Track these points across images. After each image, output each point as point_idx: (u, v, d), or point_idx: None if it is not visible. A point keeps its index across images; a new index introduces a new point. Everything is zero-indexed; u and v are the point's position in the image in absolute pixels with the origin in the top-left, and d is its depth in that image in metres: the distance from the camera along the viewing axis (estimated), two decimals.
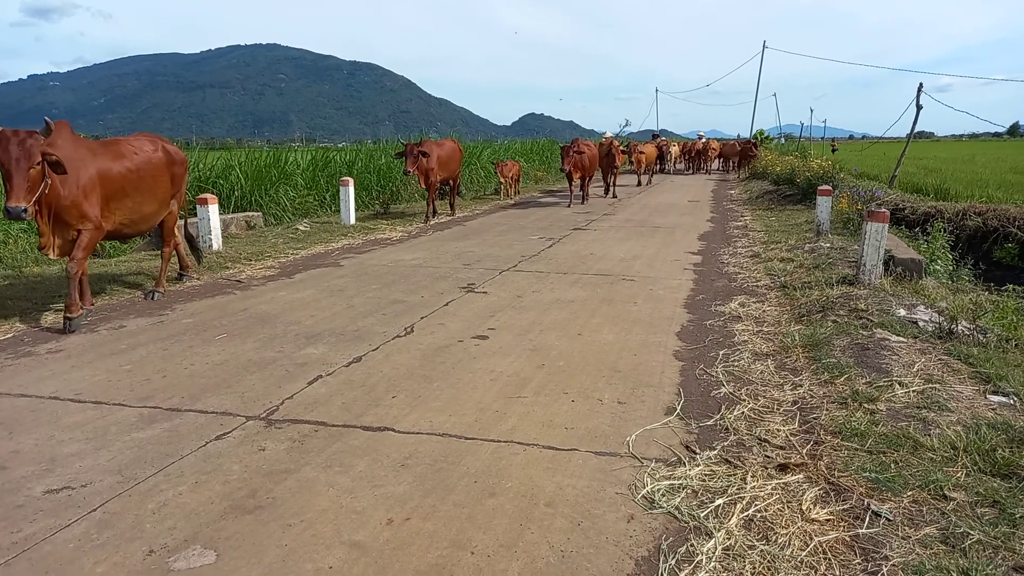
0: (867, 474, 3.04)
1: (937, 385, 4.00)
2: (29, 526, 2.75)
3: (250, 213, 12.22)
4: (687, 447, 3.42)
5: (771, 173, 19.86)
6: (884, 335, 4.95)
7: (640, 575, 2.43)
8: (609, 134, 29.49)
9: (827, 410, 3.78)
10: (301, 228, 11.70)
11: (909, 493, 2.89)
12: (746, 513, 2.80)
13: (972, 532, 2.58)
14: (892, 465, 3.12)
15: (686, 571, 2.43)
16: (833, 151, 35.15)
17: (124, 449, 3.41)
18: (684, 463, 3.23)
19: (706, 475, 3.11)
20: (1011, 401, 3.78)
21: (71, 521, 2.78)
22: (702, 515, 2.78)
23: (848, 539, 2.62)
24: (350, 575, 2.43)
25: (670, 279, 7.56)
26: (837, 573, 2.42)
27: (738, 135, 45.75)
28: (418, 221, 13.24)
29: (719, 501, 2.88)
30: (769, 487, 2.99)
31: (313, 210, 14.27)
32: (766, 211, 14.72)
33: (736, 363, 4.63)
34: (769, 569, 2.44)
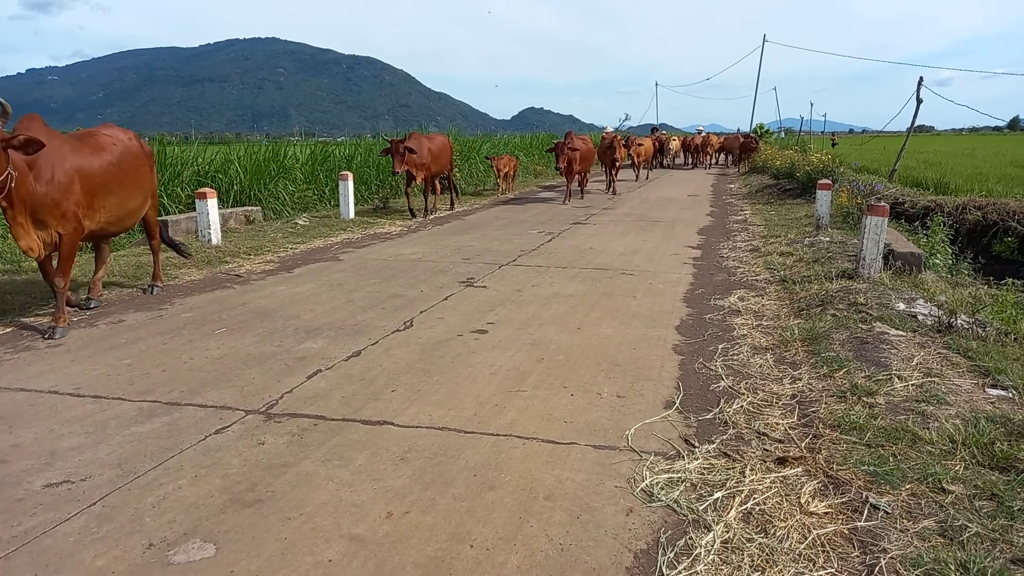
0: (866, 467, 3.05)
1: (936, 379, 4.01)
2: (29, 519, 2.75)
3: (249, 207, 12.20)
4: (686, 441, 3.42)
5: (771, 167, 19.83)
6: (883, 329, 4.95)
7: (639, 568, 2.44)
8: (610, 128, 29.45)
9: (826, 404, 3.78)
10: (300, 222, 11.69)
11: (907, 486, 2.89)
12: (745, 506, 2.80)
13: (970, 525, 2.58)
14: (891, 458, 3.12)
15: (685, 564, 2.43)
16: (833, 145, 35.12)
17: (124, 443, 3.42)
18: (683, 456, 3.24)
19: (705, 468, 3.12)
20: (1010, 394, 3.79)
21: (71, 515, 2.78)
22: (701, 508, 2.79)
23: (846, 532, 2.62)
24: (349, 568, 2.44)
25: (669, 273, 7.56)
26: (836, 566, 2.42)
27: (738, 129, 45.67)
28: (418, 216, 13.23)
29: (718, 494, 2.89)
30: (768, 480, 3.00)
31: (312, 204, 14.26)
32: (766, 205, 14.71)
33: (735, 357, 4.64)
34: (767, 562, 2.44)
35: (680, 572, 2.39)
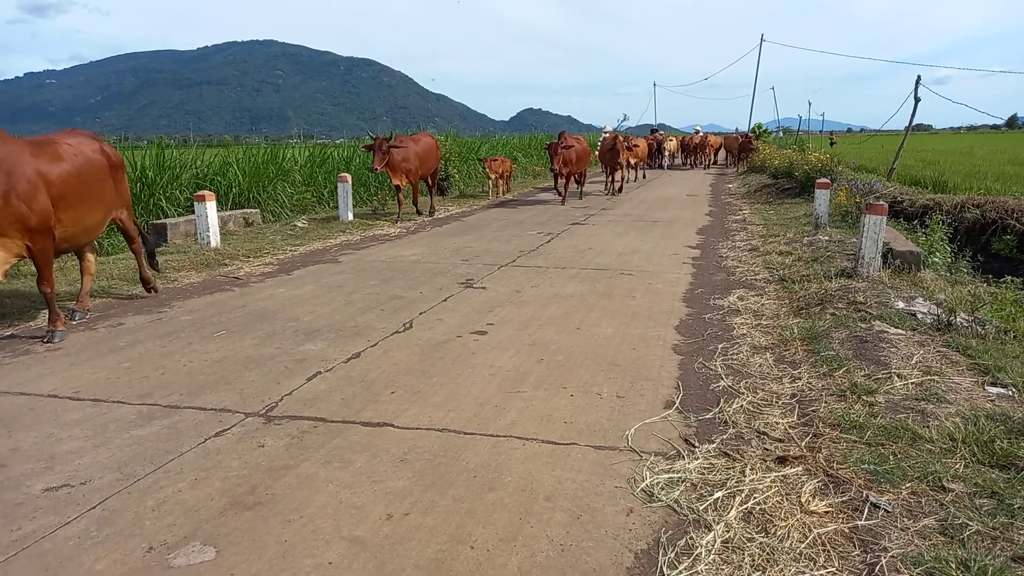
0: (866, 466, 3.05)
1: (935, 377, 4.01)
2: (29, 524, 2.75)
3: (248, 210, 12.20)
4: (686, 440, 3.42)
5: (769, 167, 19.84)
6: (882, 327, 4.95)
7: (639, 568, 2.43)
8: (609, 128, 29.44)
9: (826, 402, 3.78)
10: (299, 225, 11.69)
11: (908, 485, 2.89)
12: (745, 506, 2.80)
13: (971, 523, 2.58)
14: (891, 457, 3.12)
15: (685, 564, 2.43)
16: (831, 144, 35.14)
17: (123, 446, 3.41)
18: (683, 456, 3.24)
19: (705, 468, 3.12)
20: (1009, 392, 3.79)
21: (71, 518, 2.78)
22: (701, 508, 2.78)
23: (847, 531, 2.62)
24: (350, 570, 2.44)
25: (669, 273, 7.56)
26: (836, 565, 2.42)
27: (736, 129, 45.70)
28: (416, 216, 13.22)
29: (718, 494, 2.89)
30: (768, 480, 3.00)
31: (311, 207, 14.25)
32: (764, 205, 14.72)
33: (735, 356, 4.64)
34: (768, 561, 2.44)
35: (681, 572, 2.39)
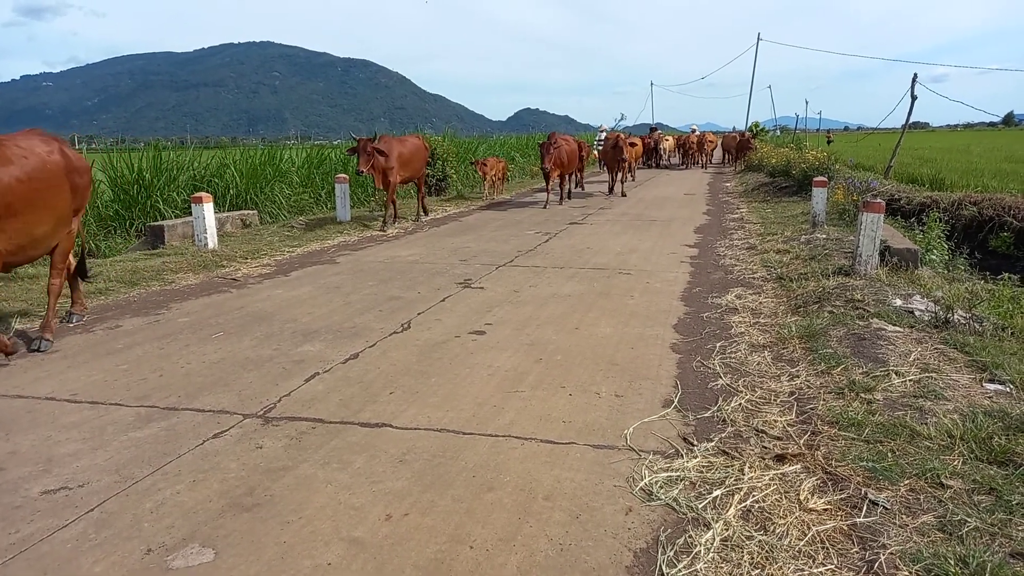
0: (864, 463, 3.05)
1: (933, 374, 4.01)
2: (27, 526, 2.74)
3: (245, 211, 12.18)
4: (685, 439, 3.42)
5: (767, 165, 19.86)
6: (880, 325, 4.96)
7: (639, 567, 2.43)
8: (605, 127, 29.40)
9: (824, 400, 3.78)
10: (296, 226, 11.67)
11: (906, 482, 2.89)
12: (744, 504, 2.80)
13: (969, 519, 2.59)
14: (889, 454, 3.13)
15: (684, 562, 2.43)
16: (828, 142, 35.16)
17: (121, 449, 3.41)
18: (682, 455, 3.24)
19: (704, 467, 3.12)
20: (1007, 389, 3.79)
21: (69, 521, 2.77)
22: (700, 506, 2.78)
23: (846, 528, 2.62)
24: (349, 571, 2.43)
25: (667, 272, 7.56)
26: (835, 562, 2.42)
27: (733, 128, 45.74)
28: (414, 217, 13.21)
29: (717, 492, 2.89)
30: (767, 478, 3.00)
31: (308, 208, 14.24)
32: (762, 203, 14.73)
33: (733, 355, 4.64)
34: (767, 559, 2.44)
35: (680, 570, 2.39)
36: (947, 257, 8.62)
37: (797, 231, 9.92)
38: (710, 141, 31.85)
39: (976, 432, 3.21)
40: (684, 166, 31.28)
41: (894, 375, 4.00)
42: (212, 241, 9.32)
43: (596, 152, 26.29)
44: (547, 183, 15.09)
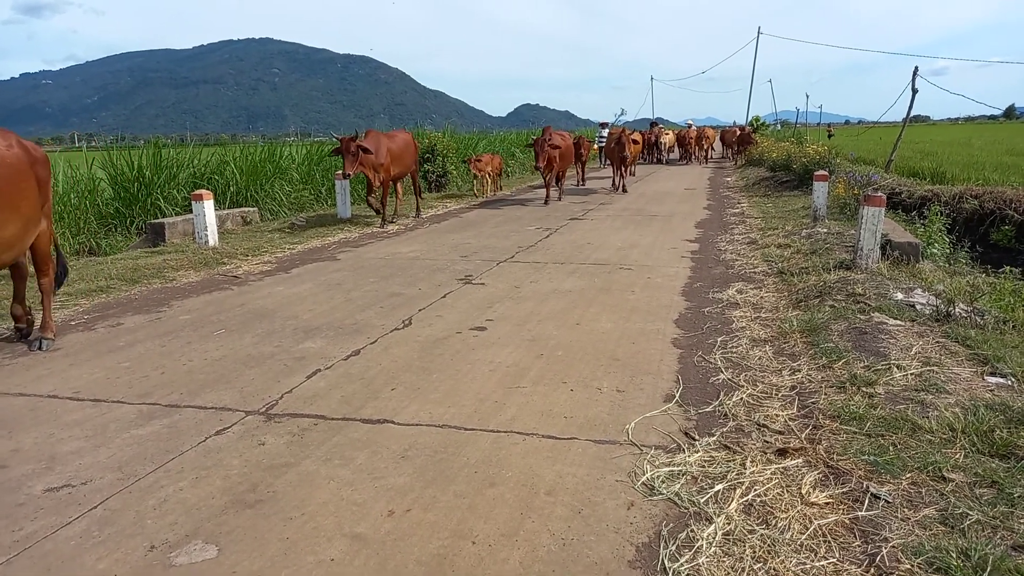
0: (866, 457, 3.05)
1: (935, 367, 4.01)
2: (30, 524, 2.75)
3: (246, 208, 12.19)
4: (686, 434, 3.42)
5: (767, 160, 19.83)
6: (882, 319, 4.95)
7: (641, 561, 2.44)
8: (608, 123, 29.36)
9: (825, 394, 3.78)
10: (297, 223, 11.67)
11: (908, 475, 2.89)
12: (746, 498, 2.81)
13: (971, 512, 2.59)
14: (891, 448, 3.13)
15: (687, 556, 2.43)
16: (829, 136, 35.11)
17: (124, 446, 3.41)
18: (683, 450, 3.24)
19: (705, 461, 3.12)
20: (1009, 382, 3.79)
21: (72, 519, 2.78)
22: (702, 501, 2.79)
23: (848, 522, 2.62)
24: (352, 566, 2.44)
25: (667, 267, 7.56)
26: (837, 556, 2.43)
27: (734, 122, 45.67)
28: (415, 213, 13.20)
29: (719, 487, 2.89)
30: (768, 472, 3.00)
31: (309, 204, 14.24)
32: (763, 198, 14.71)
33: (734, 349, 4.64)
34: (769, 553, 2.45)
35: (682, 565, 2.39)
36: (948, 251, 8.61)
37: (798, 225, 9.91)
38: (707, 136, 31.60)
39: (978, 425, 3.21)
40: (684, 161, 31.06)
41: (895, 369, 4.00)
42: (213, 238, 9.32)
43: (597, 148, 26.26)
44: (545, 180, 14.86)
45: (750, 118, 43.39)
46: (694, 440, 3.34)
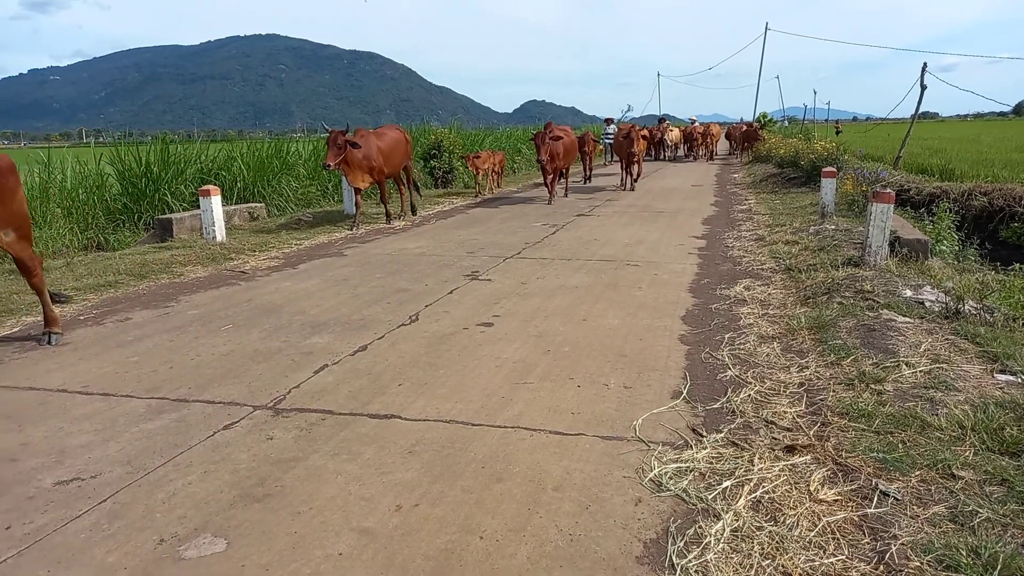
0: (875, 454, 3.04)
1: (944, 365, 3.99)
2: (40, 517, 2.76)
3: (253, 204, 12.22)
4: (694, 430, 3.41)
5: (775, 156, 19.75)
6: (890, 316, 4.93)
7: (649, 557, 2.44)
8: (614, 119, 29.26)
9: (834, 391, 3.77)
10: (304, 218, 11.69)
11: (917, 472, 2.88)
12: (754, 495, 2.80)
13: (981, 510, 2.57)
14: (900, 445, 3.11)
15: (695, 553, 2.43)
16: (837, 133, 34.94)
17: (133, 440, 3.43)
18: (691, 446, 3.23)
19: (713, 458, 3.11)
20: (1019, 380, 3.77)
21: (81, 512, 2.79)
22: (710, 497, 2.78)
23: (856, 519, 2.61)
24: (360, 561, 2.45)
25: (674, 263, 7.54)
26: (846, 553, 2.42)
27: (741, 118, 45.49)
28: (421, 209, 13.21)
29: (727, 483, 2.88)
30: (776, 468, 2.99)
31: (316, 200, 14.27)
32: (770, 194, 14.65)
33: (742, 346, 4.62)
34: (777, 550, 2.44)
35: (690, 561, 2.39)
36: (957, 248, 8.57)
37: (806, 222, 9.86)
38: (713, 133, 31.28)
39: (987, 423, 3.19)
40: (690, 158, 30.77)
41: (904, 366, 3.98)
42: (220, 234, 9.35)
43: (603, 145, 26.18)
44: (545, 177, 14.28)
45: (758, 114, 43.21)
46: (702, 436, 3.33)
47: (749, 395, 3.79)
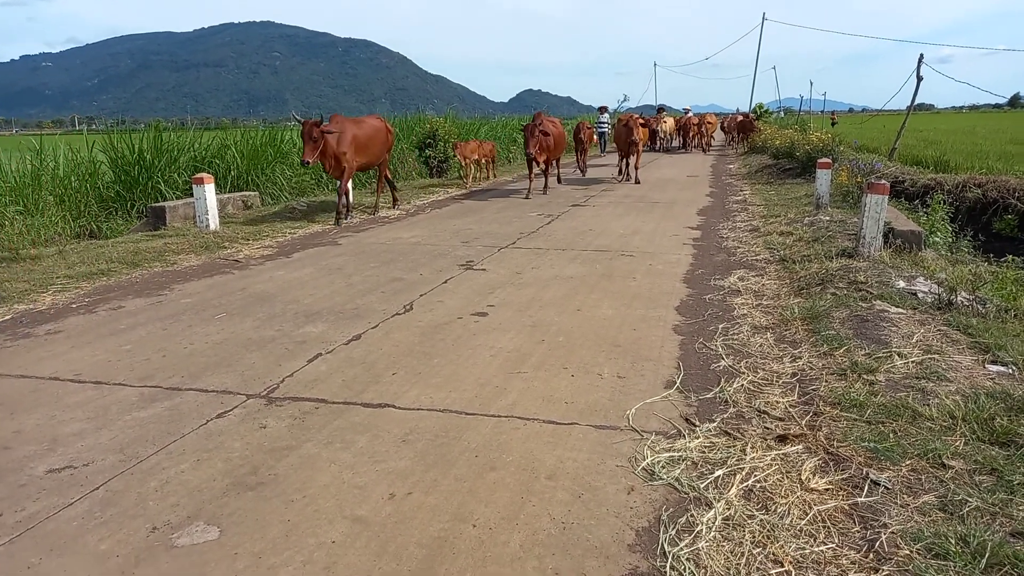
0: (866, 444, 3.06)
1: (936, 355, 4.01)
2: (32, 504, 2.76)
3: (247, 192, 12.15)
4: (687, 420, 3.43)
5: (770, 147, 19.75)
6: (883, 307, 4.95)
7: (641, 545, 2.45)
8: (608, 108, 29.12)
9: (826, 381, 3.78)
10: (298, 207, 11.64)
11: (908, 462, 2.90)
12: (746, 483, 2.81)
13: (970, 499, 2.59)
14: (891, 435, 3.13)
15: (686, 541, 2.44)
16: (833, 124, 34.91)
17: (125, 428, 3.42)
18: (684, 435, 3.25)
19: (706, 447, 3.13)
20: (1009, 370, 3.79)
21: (74, 499, 2.79)
22: (702, 486, 2.80)
23: (847, 508, 2.63)
24: (353, 549, 2.45)
25: (669, 254, 7.55)
26: (836, 541, 2.44)
27: (737, 109, 45.42)
28: (416, 199, 13.17)
29: (719, 472, 2.90)
30: (768, 458, 3.01)
31: (310, 189, 14.19)
32: (765, 185, 14.66)
33: (735, 336, 4.63)
34: (769, 538, 2.46)
35: (682, 549, 2.40)
36: (951, 239, 8.60)
37: (801, 213, 9.88)
38: (709, 123, 31.10)
39: (978, 413, 3.21)
40: (684, 149, 30.56)
41: (896, 356, 4.00)
42: (214, 222, 9.30)
43: (596, 135, 26.09)
44: (530, 169, 13.54)
45: (754, 105, 43.16)
46: (694, 426, 3.34)
47: (742, 385, 3.81)
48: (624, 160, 16.42)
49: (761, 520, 2.56)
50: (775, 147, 18.85)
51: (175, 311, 5.54)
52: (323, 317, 5.28)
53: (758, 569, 2.30)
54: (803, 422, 3.34)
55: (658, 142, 29.79)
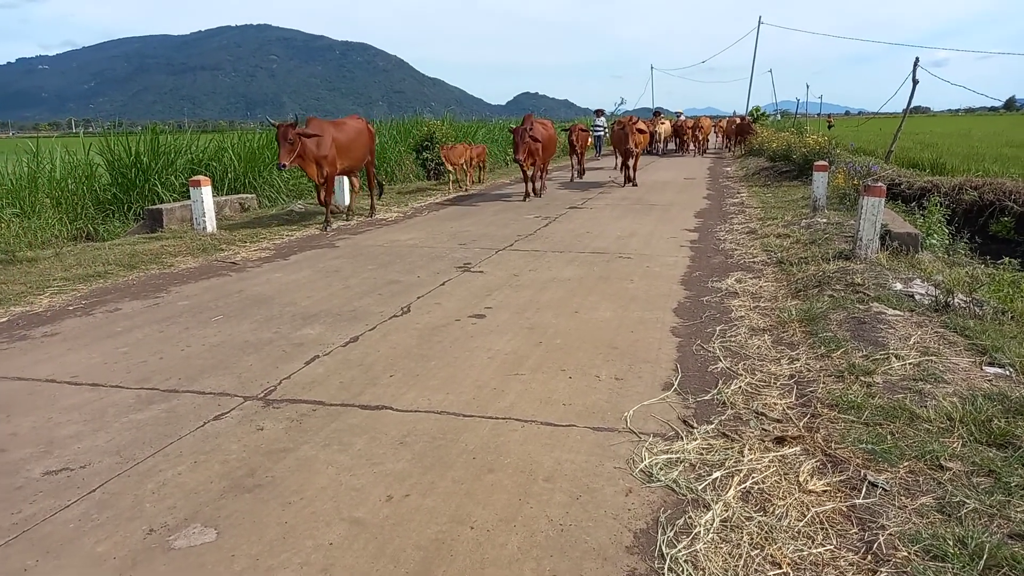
0: (864, 446, 3.06)
1: (933, 357, 4.02)
2: (29, 507, 2.75)
3: (244, 195, 12.15)
4: (684, 421, 3.43)
5: (767, 150, 19.78)
6: (880, 309, 4.95)
7: (638, 547, 2.44)
8: (604, 111, 29.15)
9: (824, 383, 3.79)
10: (296, 209, 11.64)
11: (905, 464, 2.90)
12: (744, 485, 2.81)
13: (968, 501, 2.60)
14: (888, 436, 3.13)
15: (684, 543, 2.44)
16: (829, 127, 34.98)
17: (122, 430, 3.41)
18: (682, 437, 3.24)
19: (704, 449, 3.12)
20: (1007, 372, 3.80)
21: (71, 502, 2.78)
22: (700, 488, 2.79)
23: (845, 509, 2.63)
24: (351, 551, 2.44)
25: (666, 256, 7.55)
26: (834, 543, 2.44)
27: (733, 112, 45.50)
28: (414, 201, 13.17)
29: (717, 474, 2.89)
30: (766, 460, 3.01)
31: (307, 191, 14.18)
32: (762, 188, 14.68)
33: (733, 338, 4.64)
34: (767, 540, 2.45)
35: (680, 551, 2.40)
36: (947, 241, 8.61)
37: (798, 215, 9.90)
38: (703, 127, 31.03)
39: (975, 415, 3.22)
40: (680, 152, 30.48)
41: (894, 358, 4.01)
42: (211, 224, 9.29)
43: (593, 138, 26.11)
44: (524, 174, 13.18)
45: (750, 108, 43.26)
46: (692, 428, 3.34)
47: (740, 387, 3.81)
48: (622, 163, 16.28)
49: (759, 522, 2.56)
50: (772, 150, 18.88)
51: (172, 313, 5.53)
52: (320, 319, 5.27)
53: (756, 571, 2.30)
54: (801, 424, 3.34)
55: (654, 145, 29.80)
